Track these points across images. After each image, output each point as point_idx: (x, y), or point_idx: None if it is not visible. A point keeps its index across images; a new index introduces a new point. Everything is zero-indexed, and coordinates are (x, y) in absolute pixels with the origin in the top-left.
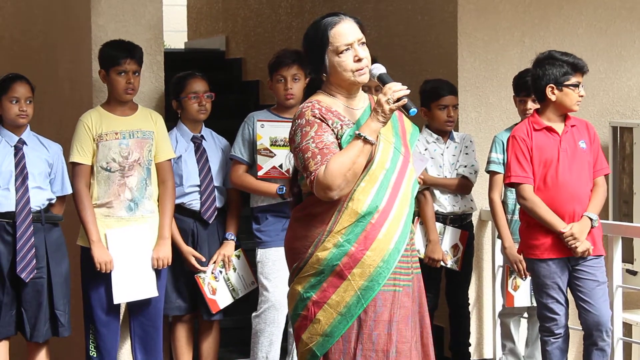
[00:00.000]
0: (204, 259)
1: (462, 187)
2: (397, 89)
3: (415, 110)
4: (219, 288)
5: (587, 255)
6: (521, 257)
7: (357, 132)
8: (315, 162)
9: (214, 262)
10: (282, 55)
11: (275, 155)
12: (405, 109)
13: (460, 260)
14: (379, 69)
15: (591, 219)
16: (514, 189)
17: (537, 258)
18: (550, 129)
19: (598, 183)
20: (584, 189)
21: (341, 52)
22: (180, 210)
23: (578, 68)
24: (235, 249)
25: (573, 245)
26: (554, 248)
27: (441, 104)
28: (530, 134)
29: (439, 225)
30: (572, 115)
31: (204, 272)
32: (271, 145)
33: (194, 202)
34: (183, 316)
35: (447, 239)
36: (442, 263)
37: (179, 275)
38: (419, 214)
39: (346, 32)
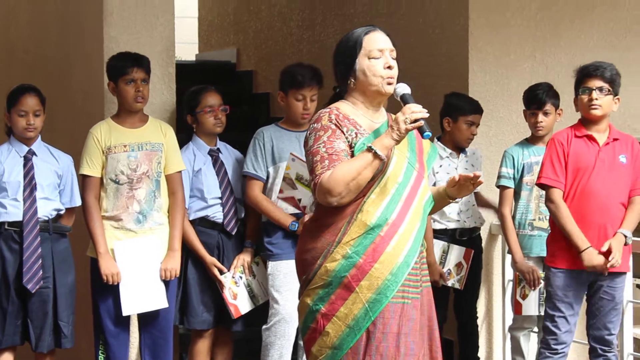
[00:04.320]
0: (225, 270)
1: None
2: (415, 110)
3: (429, 134)
4: (239, 293)
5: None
6: (533, 266)
7: (368, 145)
8: (322, 166)
9: (234, 267)
10: (304, 74)
11: (297, 189)
12: (420, 131)
13: (463, 279)
14: (404, 88)
15: (625, 236)
16: (521, 204)
17: (554, 267)
18: (591, 138)
19: (635, 201)
20: (615, 203)
21: (373, 57)
22: (204, 223)
23: (584, 73)
24: (255, 256)
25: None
26: (578, 260)
27: (469, 120)
28: (569, 140)
29: (443, 244)
30: (619, 130)
31: (225, 277)
32: (296, 179)
33: (217, 214)
34: (205, 331)
35: (451, 257)
36: (442, 282)
37: (206, 290)
38: None
39: (380, 39)
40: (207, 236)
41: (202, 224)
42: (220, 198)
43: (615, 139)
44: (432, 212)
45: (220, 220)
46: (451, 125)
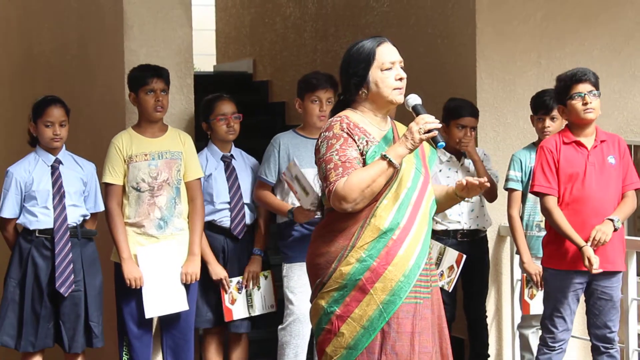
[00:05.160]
0: (229, 287)
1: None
2: (429, 121)
3: (443, 143)
4: (238, 300)
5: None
6: (540, 267)
7: (383, 153)
8: (336, 174)
9: (245, 279)
10: (319, 78)
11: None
12: (434, 141)
13: (452, 281)
14: (415, 99)
15: (612, 220)
16: (528, 205)
17: (551, 267)
18: (579, 143)
19: (627, 195)
20: (610, 204)
21: (385, 69)
22: (211, 227)
23: (574, 79)
24: (265, 267)
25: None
26: (573, 260)
27: (460, 123)
28: (558, 147)
29: (440, 246)
30: (604, 130)
31: (231, 281)
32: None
33: (224, 219)
34: (213, 329)
35: (445, 260)
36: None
37: (210, 290)
38: None
39: (392, 51)
40: (213, 239)
41: (210, 229)
42: (229, 203)
43: (602, 141)
44: (441, 210)
45: (227, 225)
46: (446, 130)
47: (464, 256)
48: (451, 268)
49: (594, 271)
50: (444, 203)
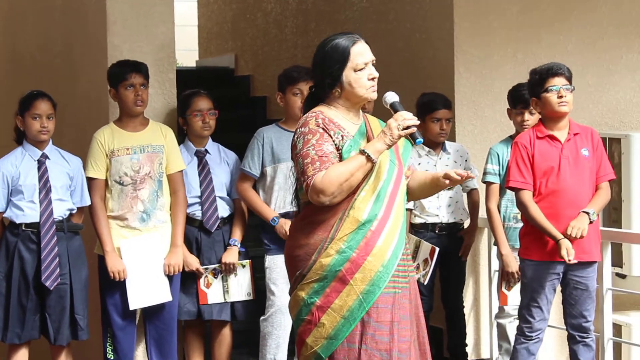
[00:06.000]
0: (202, 271)
1: (474, 198)
2: (407, 118)
3: (421, 140)
4: (214, 284)
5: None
6: (516, 263)
7: (361, 148)
8: (313, 168)
9: (224, 271)
10: (299, 71)
11: None
12: (412, 137)
13: (427, 274)
14: (392, 97)
15: (588, 213)
16: (506, 198)
17: (528, 258)
18: (552, 137)
19: (601, 187)
20: (585, 196)
21: (359, 70)
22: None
23: (550, 73)
24: (243, 257)
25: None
26: (549, 251)
27: (435, 116)
28: (532, 142)
29: (416, 239)
30: (578, 123)
31: (206, 269)
32: None
33: (196, 212)
34: (194, 321)
35: (420, 253)
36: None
37: (189, 281)
38: None
39: (365, 51)
40: (186, 231)
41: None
42: (200, 197)
43: (575, 134)
44: (424, 197)
45: (200, 218)
46: (421, 126)
47: (437, 249)
48: (426, 261)
49: (571, 261)
50: (427, 190)
